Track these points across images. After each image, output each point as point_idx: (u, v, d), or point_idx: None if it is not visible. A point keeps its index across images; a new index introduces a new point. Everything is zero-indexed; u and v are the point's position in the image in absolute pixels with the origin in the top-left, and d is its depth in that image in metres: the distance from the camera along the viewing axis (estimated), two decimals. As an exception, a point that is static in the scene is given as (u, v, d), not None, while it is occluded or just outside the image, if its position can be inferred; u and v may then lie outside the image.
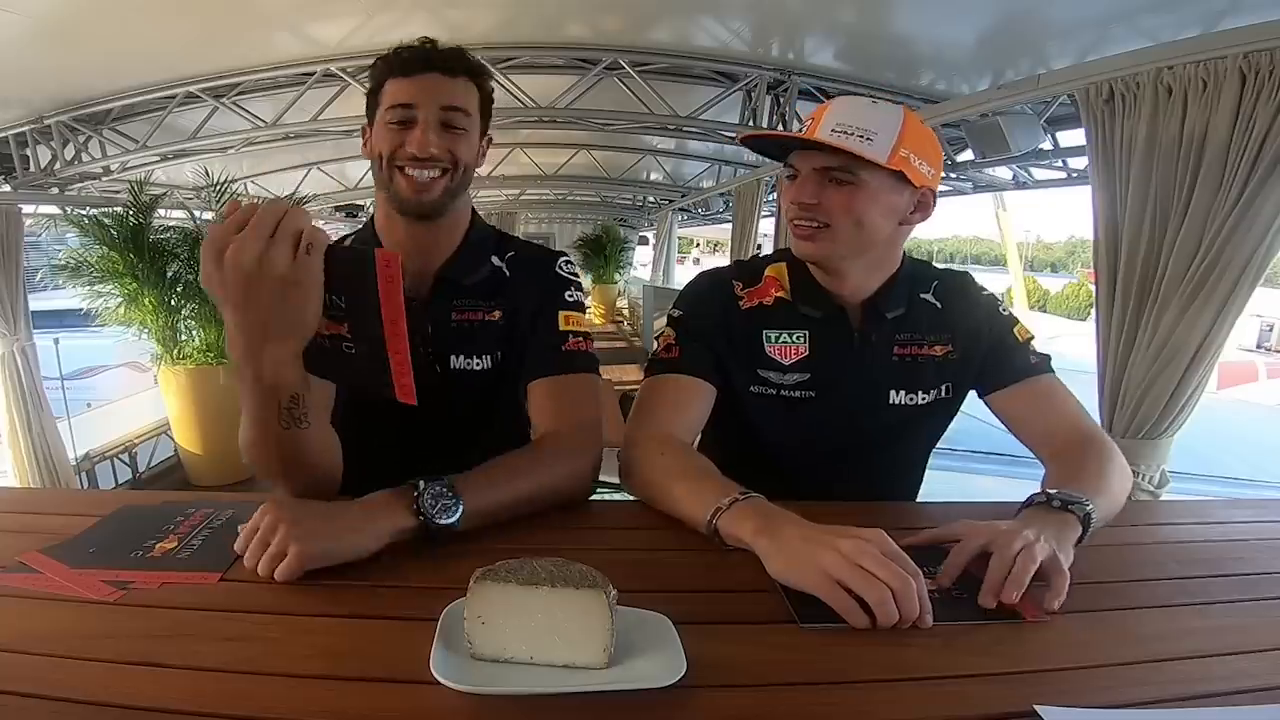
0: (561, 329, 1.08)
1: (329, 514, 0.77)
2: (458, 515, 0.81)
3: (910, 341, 1.08)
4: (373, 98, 1.04)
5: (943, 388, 1.11)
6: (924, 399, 1.09)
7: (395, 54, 1.01)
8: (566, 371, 1.06)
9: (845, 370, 1.07)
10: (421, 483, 0.81)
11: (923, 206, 1.03)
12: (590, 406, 1.04)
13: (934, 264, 1.16)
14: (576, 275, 1.16)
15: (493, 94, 1.08)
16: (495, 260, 1.12)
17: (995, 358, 1.09)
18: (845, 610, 0.66)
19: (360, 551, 0.75)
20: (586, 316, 1.15)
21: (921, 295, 1.10)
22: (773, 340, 1.08)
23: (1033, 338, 1.11)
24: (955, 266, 1.23)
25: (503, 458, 0.93)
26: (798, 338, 1.07)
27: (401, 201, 1.01)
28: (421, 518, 0.79)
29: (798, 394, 1.08)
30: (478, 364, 1.08)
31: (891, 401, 1.08)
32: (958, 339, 1.09)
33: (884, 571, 0.66)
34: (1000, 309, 1.12)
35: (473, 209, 1.14)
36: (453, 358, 1.08)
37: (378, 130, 1.01)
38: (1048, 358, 1.09)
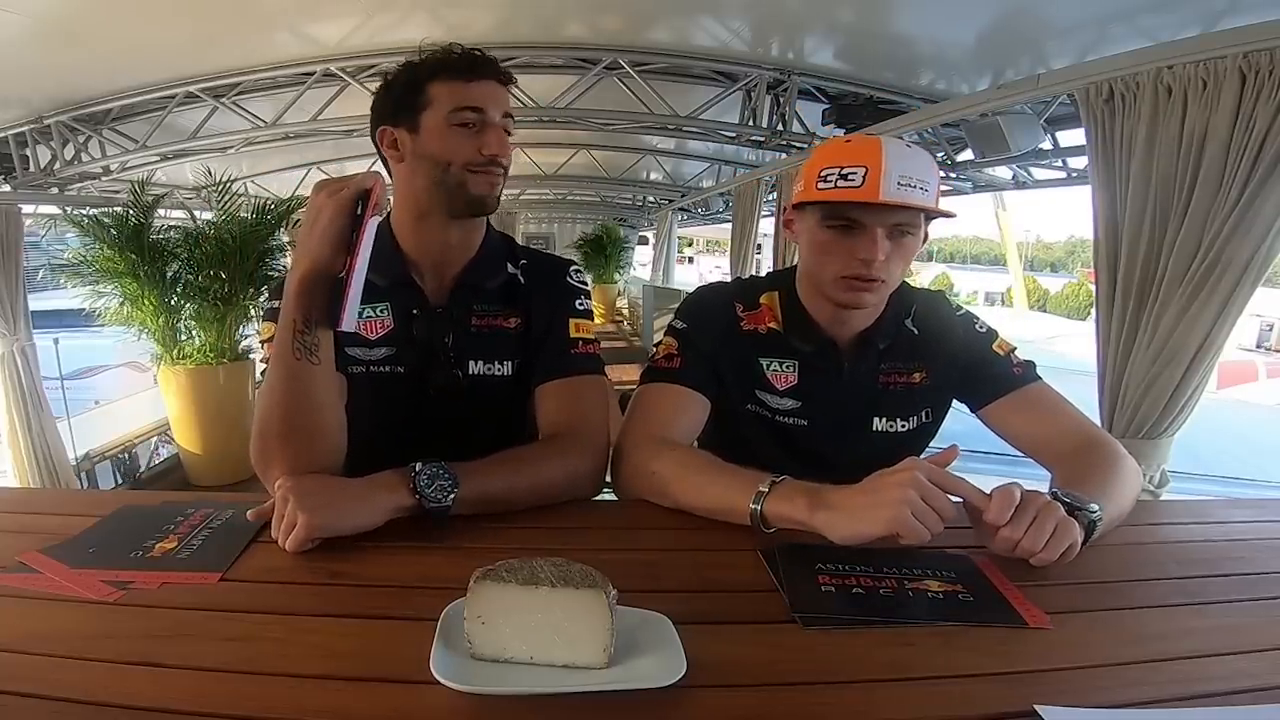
0: (571, 336, 1.10)
1: (335, 487, 0.84)
2: (452, 497, 0.84)
3: (893, 370, 1.11)
4: (410, 98, 1.01)
5: (923, 413, 1.14)
6: (904, 426, 1.12)
7: (445, 56, 1.01)
8: (575, 374, 1.08)
9: (832, 399, 1.10)
10: (419, 464, 0.85)
11: (925, 238, 1.05)
12: (598, 407, 1.06)
13: (910, 285, 1.15)
14: (585, 284, 1.17)
15: None
16: (510, 267, 1.13)
17: (978, 374, 1.10)
18: (917, 536, 0.73)
19: (362, 524, 0.81)
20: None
21: (904, 322, 1.12)
22: (766, 367, 1.10)
23: (1014, 349, 1.12)
24: (929, 287, 1.24)
25: (509, 450, 0.95)
26: (788, 366, 1.10)
27: (471, 201, 1.02)
28: (418, 496, 0.83)
29: (790, 420, 1.11)
30: (499, 370, 1.10)
31: (875, 429, 1.11)
32: (933, 364, 1.11)
33: (939, 502, 0.74)
34: (976, 326, 1.13)
35: (487, 219, 1.15)
36: (472, 363, 1.09)
37: (440, 132, 1.00)
38: (1032, 365, 1.11)
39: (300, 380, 0.88)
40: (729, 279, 1.38)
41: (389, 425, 1.07)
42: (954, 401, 1.16)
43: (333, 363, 0.93)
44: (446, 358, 1.08)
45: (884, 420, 1.11)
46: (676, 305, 1.19)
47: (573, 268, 1.17)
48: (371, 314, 1.06)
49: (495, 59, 1.04)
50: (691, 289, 1.28)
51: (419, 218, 1.06)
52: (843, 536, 0.76)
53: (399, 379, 1.07)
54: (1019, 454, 1.10)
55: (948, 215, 1.00)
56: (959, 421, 1.18)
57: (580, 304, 1.13)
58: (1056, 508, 0.78)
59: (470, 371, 1.09)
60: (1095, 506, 0.82)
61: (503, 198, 1.09)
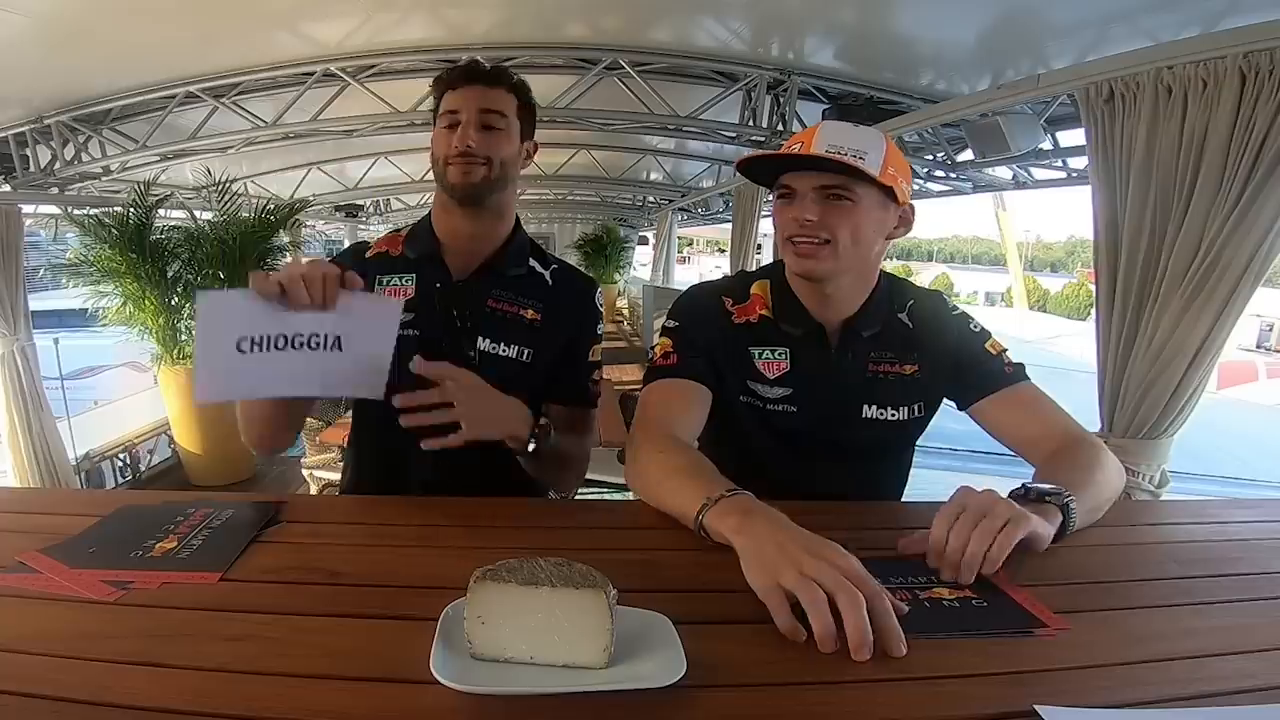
0: (590, 359, 1.26)
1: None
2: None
3: (883, 359, 1.12)
4: (435, 112, 1.20)
5: (915, 406, 1.14)
6: (895, 415, 1.13)
7: (448, 72, 1.19)
8: (585, 405, 1.26)
9: (822, 385, 1.11)
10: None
11: (904, 221, 1.07)
12: (590, 436, 1.27)
13: (910, 282, 1.19)
14: (601, 305, 1.30)
15: (534, 105, 1.23)
16: (536, 265, 1.26)
17: (969, 372, 1.12)
18: (787, 629, 0.63)
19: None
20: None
21: (897, 314, 1.13)
22: (758, 356, 1.12)
23: (1006, 350, 1.14)
24: (930, 286, 1.26)
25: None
26: (780, 354, 1.12)
27: (451, 189, 1.15)
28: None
29: (780, 407, 1.12)
30: (505, 351, 1.19)
31: (865, 416, 1.12)
32: (926, 360, 1.13)
33: (840, 594, 0.62)
34: (971, 326, 1.15)
35: (517, 218, 1.27)
36: (480, 339, 1.18)
37: (435, 135, 1.18)
38: (1022, 366, 1.13)
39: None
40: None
41: (399, 389, 1.12)
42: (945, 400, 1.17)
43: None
44: (460, 330, 1.18)
45: (875, 408, 1.12)
46: (676, 306, 1.19)
47: (597, 290, 1.30)
48: (397, 282, 1.20)
49: (486, 69, 1.17)
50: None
51: (442, 207, 1.21)
52: (749, 579, 0.69)
53: (411, 342, 1.14)
54: (1013, 454, 1.11)
55: (884, 187, 0.99)
56: (960, 421, 1.18)
57: (599, 328, 1.29)
58: (987, 532, 0.75)
59: (478, 346, 1.18)
60: (1067, 492, 0.84)
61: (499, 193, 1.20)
